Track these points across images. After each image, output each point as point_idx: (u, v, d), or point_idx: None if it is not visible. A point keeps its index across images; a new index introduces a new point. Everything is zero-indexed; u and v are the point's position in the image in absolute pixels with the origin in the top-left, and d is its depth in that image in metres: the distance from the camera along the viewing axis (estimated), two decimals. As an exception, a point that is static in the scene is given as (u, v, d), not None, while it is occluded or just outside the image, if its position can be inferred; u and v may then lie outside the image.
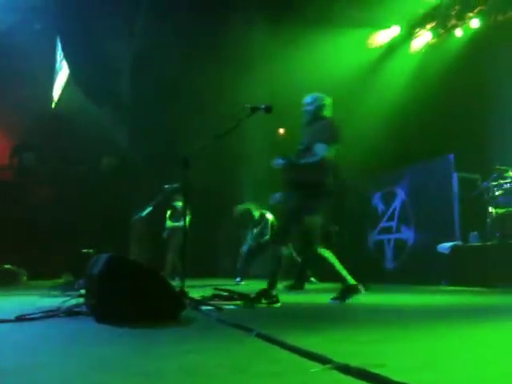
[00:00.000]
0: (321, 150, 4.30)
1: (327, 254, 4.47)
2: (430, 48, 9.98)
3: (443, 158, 8.27)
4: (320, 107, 4.58)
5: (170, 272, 9.28)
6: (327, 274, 9.19)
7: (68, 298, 3.70)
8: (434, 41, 9.92)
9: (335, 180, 4.57)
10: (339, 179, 6.18)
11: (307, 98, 4.65)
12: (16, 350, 2.21)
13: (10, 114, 11.87)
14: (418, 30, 10.04)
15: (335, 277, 4.51)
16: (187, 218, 9.42)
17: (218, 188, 12.95)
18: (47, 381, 1.60)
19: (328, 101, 4.65)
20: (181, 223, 9.53)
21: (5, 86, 11.69)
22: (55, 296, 5.06)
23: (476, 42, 8.80)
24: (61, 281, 6.51)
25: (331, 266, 4.46)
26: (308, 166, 4.39)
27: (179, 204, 9.62)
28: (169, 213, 9.81)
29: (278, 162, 4.41)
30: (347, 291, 4.37)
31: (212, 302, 4.14)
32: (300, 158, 4.44)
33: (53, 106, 13.41)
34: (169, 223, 9.73)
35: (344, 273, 4.43)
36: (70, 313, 3.32)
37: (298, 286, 6.75)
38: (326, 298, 4.65)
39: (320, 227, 4.54)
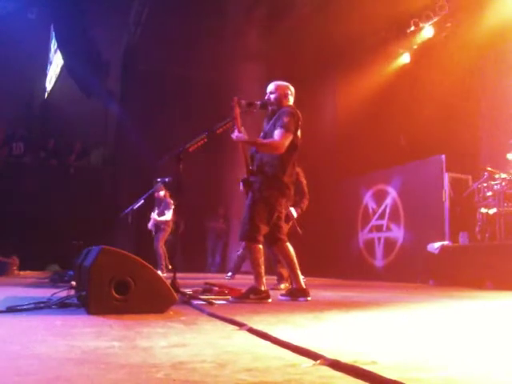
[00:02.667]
0: (277, 134, 4.21)
1: (291, 251, 4.45)
2: (422, 49, 10.02)
3: (434, 158, 8.31)
4: (283, 95, 4.47)
5: (166, 264, 9.27)
6: (316, 268, 9.24)
7: (59, 290, 3.69)
8: (423, 41, 9.96)
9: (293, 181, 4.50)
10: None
11: (270, 86, 4.52)
12: (5, 341, 2.21)
13: (1, 103, 11.78)
14: (407, 30, 10.06)
15: (292, 275, 4.51)
16: (171, 210, 9.48)
17: (210, 182, 12.96)
18: (34, 372, 1.60)
19: (291, 89, 4.55)
20: (166, 216, 9.54)
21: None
22: (46, 287, 5.05)
23: (466, 43, 8.84)
24: (49, 272, 6.49)
25: (290, 264, 4.44)
26: (268, 158, 4.31)
27: (161, 193, 9.56)
28: (155, 209, 9.79)
29: (236, 135, 4.26)
30: (297, 292, 4.40)
31: (203, 297, 4.15)
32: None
33: (45, 96, 13.33)
34: (154, 219, 9.69)
35: (299, 275, 4.44)
36: (61, 304, 3.31)
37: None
38: (315, 294, 4.67)
39: (286, 222, 4.49)
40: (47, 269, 6.41)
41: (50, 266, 6.37)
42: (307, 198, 6.43)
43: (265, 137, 4.40)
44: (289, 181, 4.38)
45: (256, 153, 4.44)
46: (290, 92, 4.52)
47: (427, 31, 9.83)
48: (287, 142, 4.23)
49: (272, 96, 4.48)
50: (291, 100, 4.53)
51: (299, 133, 4.37)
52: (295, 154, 4.40)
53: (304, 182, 6.46)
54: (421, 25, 9.79)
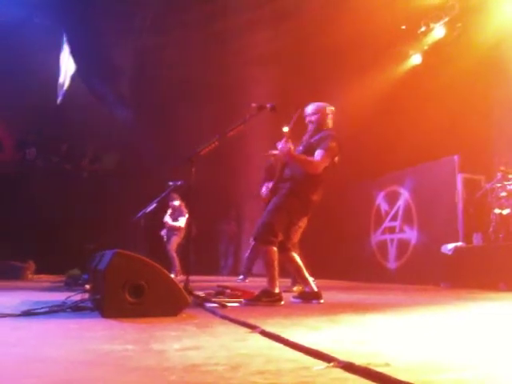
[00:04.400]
0: (318, 155, 4.31)
1: (297, 258, 4.52)
2: (433, 49, 9.96)
3: (447, 159, 8.26)
4: (323, 118, 4.57)
5: (181, 268, 9.33)
6: (328, 271, 9.21)
7: (73, 293, 3.72)
8: (435, 42, 9.91)
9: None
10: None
11: (310, 108, 4.61)
12: (20, 344, 2.23)
13: (14, 108, 11.89)
14: (418, 30, 10.02)
15: (302, 280, 4.58)
16: (184, 218, 9.58)
17: (222, 185, 12.98)
18: (49, 374, 1.62)
19: (331, 109, 4.63)
20: (179, 222, 9.64)
21: (10, 81, 11.71)
22: (60, 291, 5.09)
23: (478, 43, 8.77)
24: (66, 275, 6.54)
25: (297, 270, 4.52)
26: (302, 172, 4.38)
27: (176, 202, 9.71)
28: (168, 212, 9.88)
29: (283, 146, 4.29)
30: (309, 295, 4.43)
31: (215, 299, 4.16)
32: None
33: (58, 101, 13.45)
34: (167, 222, 9.80)
35: (310, 278, 4.50)
36: (75, 308, 3.34)
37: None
38: (327, 297, 4.67)
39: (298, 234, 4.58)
40: (68, 273, 6.44)
41: (70, 271, 6.40)
42: None
43: (304, 150, 4.48)
44: (316, 200, 4.48)
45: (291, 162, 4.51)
46: (329, 112, 4.61)
47: (438, 31, 9.77)
48: (324, 165, 4.35)
49: (313, 117, 4.56)
50: (330, 121, 4.60)
51: (337, 158, 4.46)
52: (328, 176, 4.49)
53: None
54: (431, 25, 9.75)
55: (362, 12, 9.40)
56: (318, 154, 4.32)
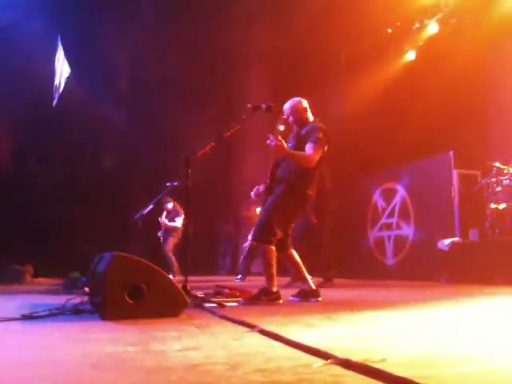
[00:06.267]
0: (309, 148, 4.31)
1: (296, 256, 4.54)
2: (428, 45, 9.99)
3: (443, 155, 8.30)
4: (302, 113, 4.56)
5: (178, 268, 9.37)
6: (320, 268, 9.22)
7: (73, 296, 3.74)
8: (429, 38, 9.94)
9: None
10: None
11: (286, 107, 4.59)
12: (22, 347, 2.25)
13: (11, 113, 11.87)
14: (414, 25, 10.05)
15: (300, 278, 4.60)
16: (181, 218, 9.64)
17: (219, 185, 13.00)
18: (52, 377, 1.64)
19: (305, 102, 4.63)
20: (176, 223, 9.72)
21: (5, 85, 11.69)
22: (59, 294, 5.11)
23: (472, 39, 8.80)
24: (66, 278, 6.56)
25: (297, 268, 4.54)
26: (294, 167, 4.38)
27: (170, 205, 9.83)
28: (163, 214, 9.97)
29: (276, 143, 4.25)
30: (308, 293, 4.44)
31: (214, 299, 4.18)
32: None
33: (53, 104, 13.44)
34: (163, 223, 9.90)
35: (308, 276, 4.51)
36: (75, 311, 3.36)
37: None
38: (326, 294, 4.69)
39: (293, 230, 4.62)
40: (70, 276, 6.48)
41: (71, 274, 6.43)
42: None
43: (295, 143, 4.49)
44: (312, 194, 4.49)
45: (283, 161, 4.51)
46: (306, 106, 4.61)
47: (432, 27, 9.81)
48: (318, 157, 4.35)
49: (294, 117, 4.56)
50: (310, 113, 4.60)
51: (326, 148, 4.45)
52: (320, 168, 4.51)
53: None
54: (426, 21, 9.79)
55: (357, 8, 9.41)
56: (309, 147, 4.31)
